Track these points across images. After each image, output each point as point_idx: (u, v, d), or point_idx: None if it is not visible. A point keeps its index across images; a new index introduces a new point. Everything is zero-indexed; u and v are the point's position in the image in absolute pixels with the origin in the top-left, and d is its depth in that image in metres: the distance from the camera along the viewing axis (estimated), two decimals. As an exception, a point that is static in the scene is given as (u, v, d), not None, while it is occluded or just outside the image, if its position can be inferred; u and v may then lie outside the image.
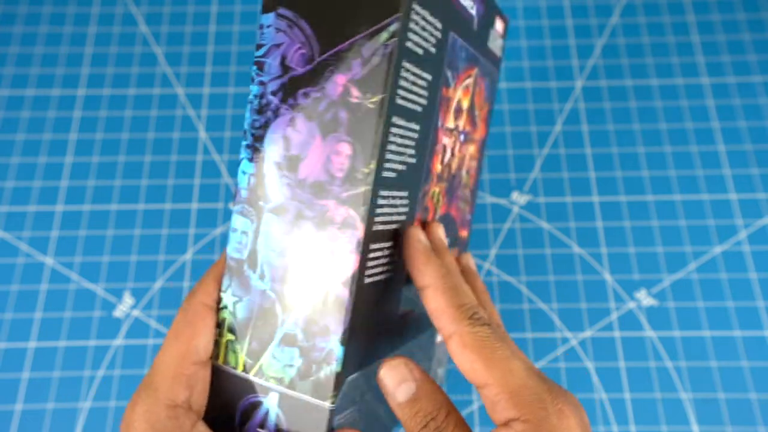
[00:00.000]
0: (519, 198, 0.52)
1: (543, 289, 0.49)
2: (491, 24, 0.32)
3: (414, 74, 0.25)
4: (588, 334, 0.47)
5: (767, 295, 0.48)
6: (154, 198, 0.52)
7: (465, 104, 0.31)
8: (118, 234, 0.51)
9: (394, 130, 0.24)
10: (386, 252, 0.26)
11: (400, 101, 0.24)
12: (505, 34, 0.35)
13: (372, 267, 0.25)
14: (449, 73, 0.29)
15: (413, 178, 0.27)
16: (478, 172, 0.36)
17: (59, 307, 0.48)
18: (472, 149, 0.34)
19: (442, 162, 0.30)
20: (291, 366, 0.24)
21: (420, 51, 0.25)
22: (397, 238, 0.26)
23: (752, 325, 0.47)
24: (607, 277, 0.49)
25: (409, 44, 0.24)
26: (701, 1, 0.59)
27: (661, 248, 0.50)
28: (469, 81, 0.31)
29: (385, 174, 0.24)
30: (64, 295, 0.49)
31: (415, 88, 0.25)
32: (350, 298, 0.23)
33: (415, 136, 0.26)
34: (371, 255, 0.24)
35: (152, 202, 0.52)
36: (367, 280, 0.25)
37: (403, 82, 0.24)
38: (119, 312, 0.48)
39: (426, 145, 0.28)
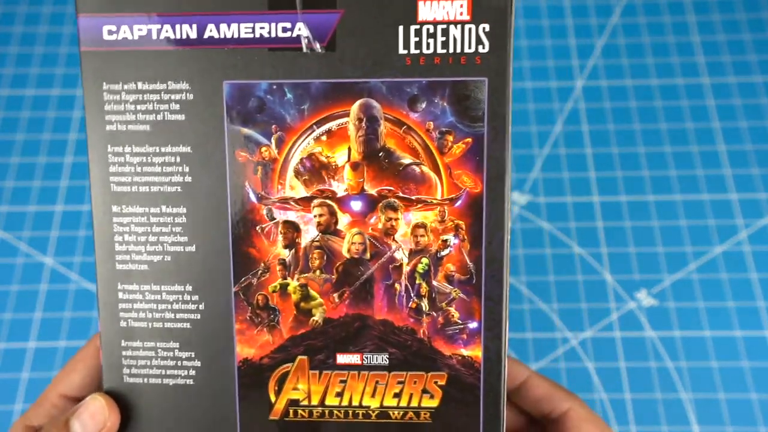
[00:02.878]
0: (519, 198, 0.52)
1: (543, 289, 0.49)
2: (394, 20, 0.22)
3: (140, 154, 0.23)
4: (588, 334, 0.47)
5: (767, 295, 0.48)
6: (153, 198, 0.52)
7: (341, 158, 0.23)
8: (118, 234, 0.51)
9: (121, 219, 0.24)
10: (175, 354, 0.25)
11: (118, 188, 0.24)
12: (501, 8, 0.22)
13: (141, 366, 0.25)
14: (252, 131, 0.23)
15: (197, 268, 0.24)
16: (480, 249, 0.23)
17: (59, 307, 0.48)
18: (425, 216, 0.23)
19: (291, 245, 0.24)
20: None
21: (143, 127, 0.23)
22: (195, 337, 0.24)
23: (753, 325, 0.47)
24: (608, 277, 0.49)
25: (110, 127, 0.23)
26: (702, 1, 0.59)
27: (661, 248, 0.50)
28: (339, 123, 0.23)
29: (125, 267, 0.24)
30: (63, 295, 0.49)
31: (150, 169, 0.23)
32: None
33: (181, 220, 0.24)
34: (130, 353, 0.25)
35: (152, 202, 0.52)
36: (131, 380, 0.25)
37: (116, 168, 0.24)
38: (119, 312, 0.48)
39: (213, 227, 0.24)
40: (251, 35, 0.23)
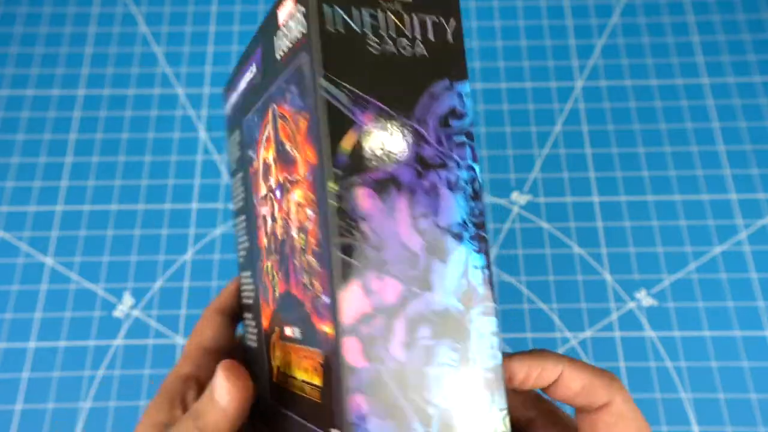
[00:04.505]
0: (519, 198, 0.52)
1: (543, 289, 0.49)
2: (272, 29, 0.25)
3: (237, 181, 0.30)
4: (588, 334, 0.47)
5: (767, 295, 0.48)
6: (154, 198, 0.52)
7: (270, 156, 0.27)
8: (118, 234, 0.51)
9: (237, 227, 0.32)
10: (248, 321, 0.31)
11: (235, 205, 0.31)
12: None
13: (247, 332, 0.31)
14: (250, 152, 0.29)
15: (251, 259, 0.30)
16: (327, 218, 0.21)
17: (59, 307, 0.48)
18: (298, 194, 0.24)
19: (266, 233, 0.28)
20: None
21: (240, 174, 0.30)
22: (253, 310, 0.30)
23: (752, 325, 0.47)
24: (607, 277, 0.49)
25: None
26: (701, 2, 0.59)
27: (661, 248, 0.50)
28: (267, 131, 0.27)
29: (241, 260, 0.32)
30: (64, 295, 0.49)
31: (237, 190, 0.30)
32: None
33: (244, 224, 0.30)
34: (245, 322, 0.32)
35: (152, 202, 0.52)
36: (247, 343, 0.32)
37: (235, 194, 0.30)
38: (119, 312, 0.48)
39: (251, 226, 0.30)
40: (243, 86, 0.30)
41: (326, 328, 0.22)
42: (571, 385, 0.25)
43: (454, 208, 0.22)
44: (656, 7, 0.59)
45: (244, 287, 0.31)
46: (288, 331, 0.25)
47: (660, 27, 0.58)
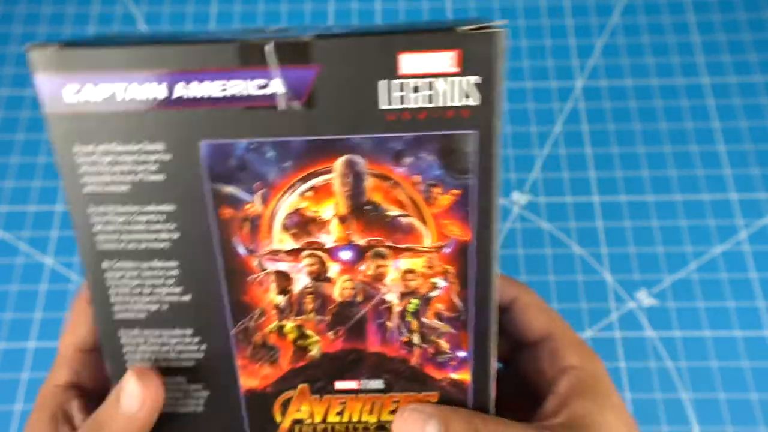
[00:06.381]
0: (519, 198, 0.52)
1: (543, 289, 0.49)
2: (375, 75, 0.21)
3: (124, 213, 0.23)
4: (588, 334, 0.47)
5: (768, 295, 0.48)
6: (153, 198, 0.52)
7: (331, 212, 0.24)
8: (118, 234, 0.51)
9: (113, 274, 0.24)
10: (182, 387, 0.26)
11: (105, 245, 0.24)
12: (491, 59, 0.21)
13: (180, 396, 0.26)
14: (235, 189, 0.23)
15: (194, 315, 0.25)
16: (466, 291, 0.24)
17: (59, 307, 0.48)
18: (415, 263, 0.24)
19: (284, 292, 0.25)
20: None
21: (123, 188, 0.23)
22: (200, 372, 0.26)
23: (753, 325, 0.47)
24: (608, 277, 0.49)
25: (89, 188, 0.23)
26: (702, 1, 0.59)
27: (661, 248, 0.50)
28: (324, 179, 0.23)
29: (123, 316, 0.25)
30: (63, 295, 0.49)
31: (137, 227, 0.24)
32: None
33: (174, 273, 0.24)
34: (170, 386, 0.26)
35: (152, 202, 0.52)
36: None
37: (99, 227, 0.23)
38: (119, 312, 0.48)
39: (207, 279, 0.24)
40: (224, 94, 0.21)
41: (456, 376, 0.26)
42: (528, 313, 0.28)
43: None
44: (656, 7, 0.59)
45: (152, 348, 0.25)
46: (349, 384, 0.26)
47: (660, 26, 0.58)
